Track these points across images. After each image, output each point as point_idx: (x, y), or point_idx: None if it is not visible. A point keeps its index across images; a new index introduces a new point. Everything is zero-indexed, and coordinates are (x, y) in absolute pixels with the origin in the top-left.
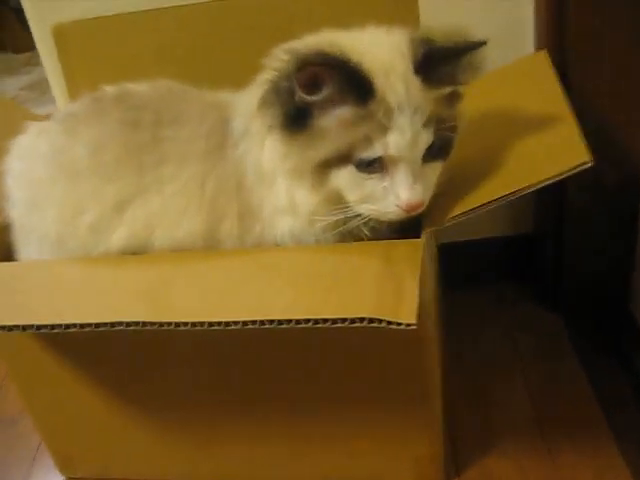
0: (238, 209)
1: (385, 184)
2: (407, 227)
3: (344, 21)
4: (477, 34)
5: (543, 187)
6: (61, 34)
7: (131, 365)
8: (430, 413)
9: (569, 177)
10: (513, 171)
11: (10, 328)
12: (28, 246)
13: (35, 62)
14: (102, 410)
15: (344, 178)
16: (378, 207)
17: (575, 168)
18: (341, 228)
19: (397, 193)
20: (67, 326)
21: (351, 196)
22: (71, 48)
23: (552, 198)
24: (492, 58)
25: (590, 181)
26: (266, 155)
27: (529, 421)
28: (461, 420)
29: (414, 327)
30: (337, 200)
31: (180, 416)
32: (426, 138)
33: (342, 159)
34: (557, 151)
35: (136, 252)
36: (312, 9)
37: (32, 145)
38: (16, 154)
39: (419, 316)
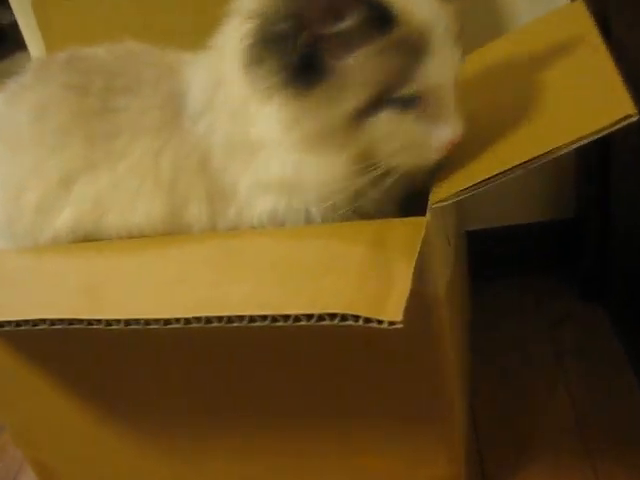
0: (206, 191)
1: (426, 122)
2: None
3: None
4: None
5: (586, 168)
6: (41, 8)
7: (101, 371)
8: (448, 427)
9: (615, 157)
10: (546, 130)
11: None
12: None
13: None
14: (83, 422)
15: (381, 126)
16: (418, 152)
17: (618, 122)
18: (352, 206)
19: (442, 129)
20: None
21: (388, 146)
22: (52, 22)
23: (596, 179)
24: (523, 10)
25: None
26: (260, 128)
27: (570, 434)
28: (489, 435)
29: (399, 326)
30: (365, 158)
31: (163, 429)
32: (459, 60)
33: (375, 104)
34: (597, 106)
35: (87, 238)
36: None
37: None
38: None
39: (428, 314)
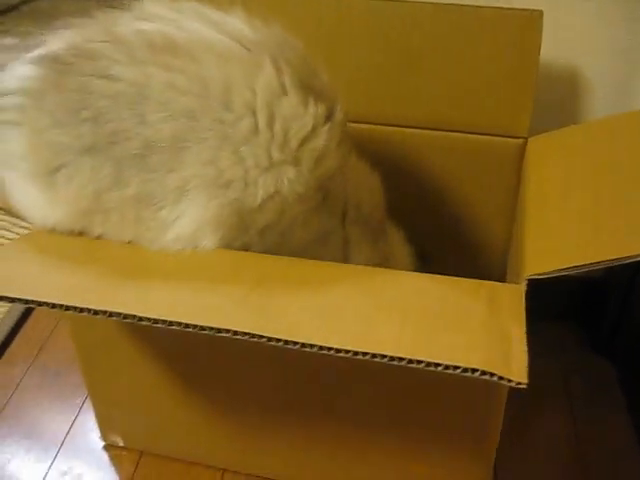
0: None
1: None
2: None
3: (463, 36)
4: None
5: None
6: None
7: (203, 358)
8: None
9: None
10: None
11: (95, 312)
12: None
13: (112, 6)
14: (157, 387)
15: None
16: None
17: None
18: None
19: None
20: (166, 322)
21: None
22: None
23: None
24: (609, 100)
25: None
26: None
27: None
28: (501, 453)
29: (524, 386)
30: None
31: (236, 408)
32: None
33: None
34: None
35: None
36: (433, 19)
37: None
38: None
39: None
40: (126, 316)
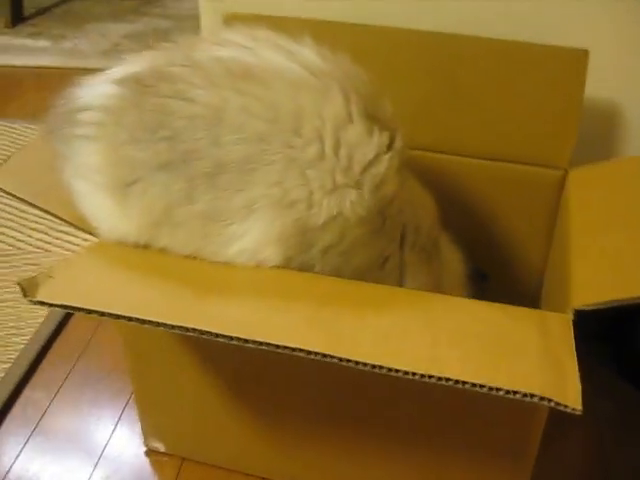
0: None
1: None
2: None
3: (511, 70)
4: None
5: None
6: (231, 23)
7: (253, 369)
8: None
9: None
10: None
11: (172, 327)
12: None
13: (142, 11)
14: (205, 395)
15: None
16: None
17: None
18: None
19: None
20: (241, 340)
21: None
22: None
23: None
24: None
25: None
26: None
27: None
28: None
29: (579, 412)
30: None
31: (282, 419)
32: None
33: None
34: None
35: None
36: (484, 53)
37: None
38: None
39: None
40: (202, 332)
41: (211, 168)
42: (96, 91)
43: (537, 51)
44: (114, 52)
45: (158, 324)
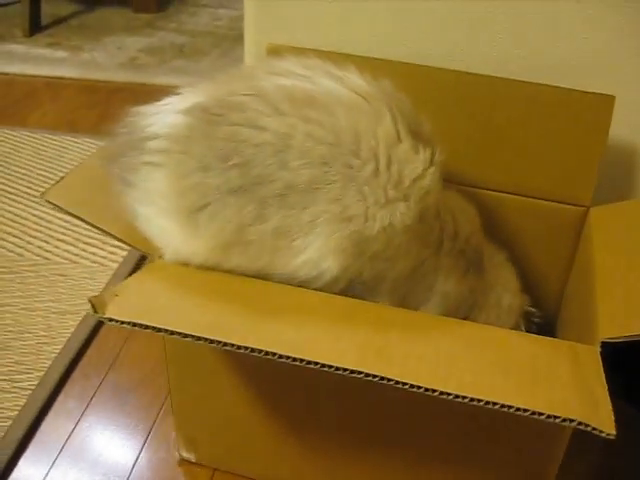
0: None
1: None
2: None
3: (540, 111)
4: None
5: None
6: (274, 53)
7: (291, 386)
8: None
9: None
10: None
11: (239, 347)
12: None
13: (158, 26)
14: (243, 409)
15: None
16: None
17: None
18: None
19: None
20: (304, 361)
21: None
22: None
23: None
24: None
25: None
26: None
27: None
28: None
29: (612, 437)
30: None
31: (315, 435)
32: None
33: None
34: None
35: None
36: (515, 94)
37: None
38: None
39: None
40: (260, 351)
41: (281, 190)
42: (163, 120)
43: (566, 94)
44: (131, 65)
45: (225, 344)
